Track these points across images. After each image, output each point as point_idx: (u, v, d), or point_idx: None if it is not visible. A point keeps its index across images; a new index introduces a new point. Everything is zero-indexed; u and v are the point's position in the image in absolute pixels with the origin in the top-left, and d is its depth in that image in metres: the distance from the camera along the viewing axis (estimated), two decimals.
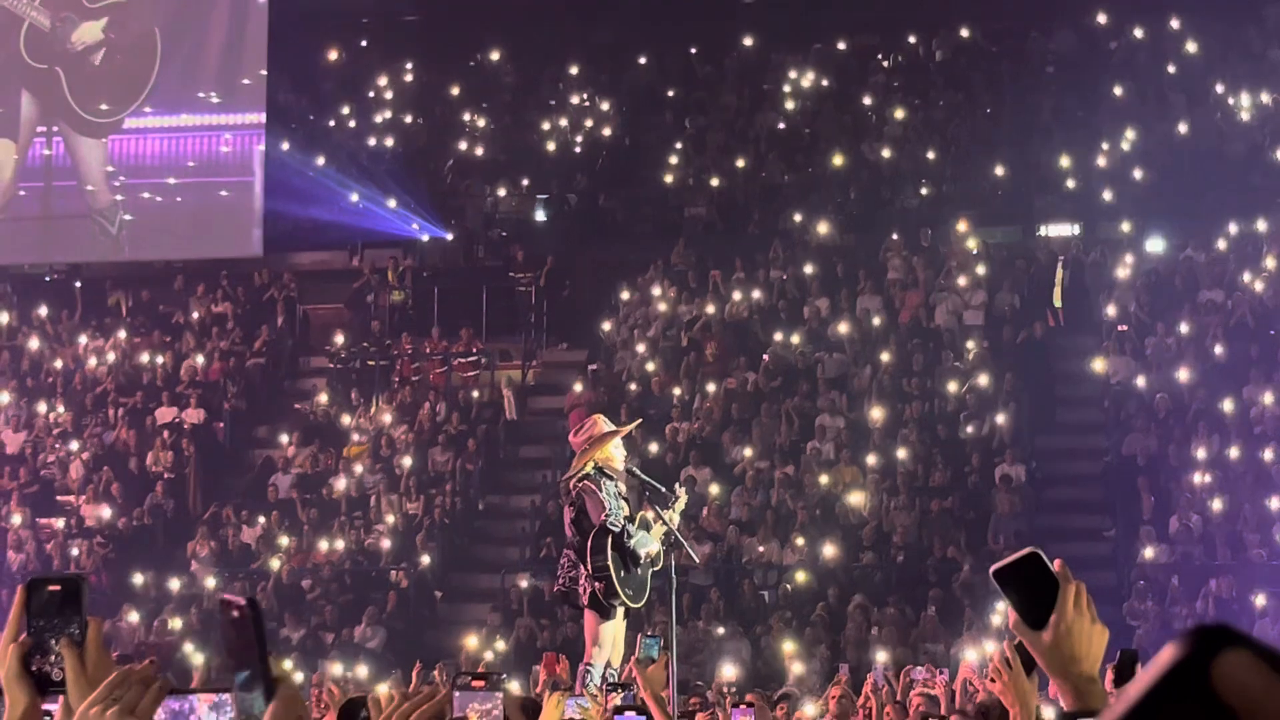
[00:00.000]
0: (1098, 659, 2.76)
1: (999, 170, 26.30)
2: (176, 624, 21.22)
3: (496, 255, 27.14)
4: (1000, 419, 22.60)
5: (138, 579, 22.21)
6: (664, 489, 12.23)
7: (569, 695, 8.26)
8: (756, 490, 22.22)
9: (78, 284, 27.64)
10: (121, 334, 26.57)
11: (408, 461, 23.67)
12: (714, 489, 22.16)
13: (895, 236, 25.70)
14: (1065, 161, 26.19)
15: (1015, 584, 3.45)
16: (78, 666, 2.68)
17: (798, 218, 26.32)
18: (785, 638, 19.37)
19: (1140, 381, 22.87)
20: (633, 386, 24.09)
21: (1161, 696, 0.88)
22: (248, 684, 2.18)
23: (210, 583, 22.04)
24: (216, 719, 3.28)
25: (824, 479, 22.00)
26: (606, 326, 25.43)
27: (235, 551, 22.90)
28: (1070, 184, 26.15)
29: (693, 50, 29.00)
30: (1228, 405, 21.97)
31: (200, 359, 26.09)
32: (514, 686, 16.14)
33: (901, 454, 22.20)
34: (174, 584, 22.11)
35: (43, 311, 27.29)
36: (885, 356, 23.78)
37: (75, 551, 22.76)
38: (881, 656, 17.36)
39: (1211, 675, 0.87)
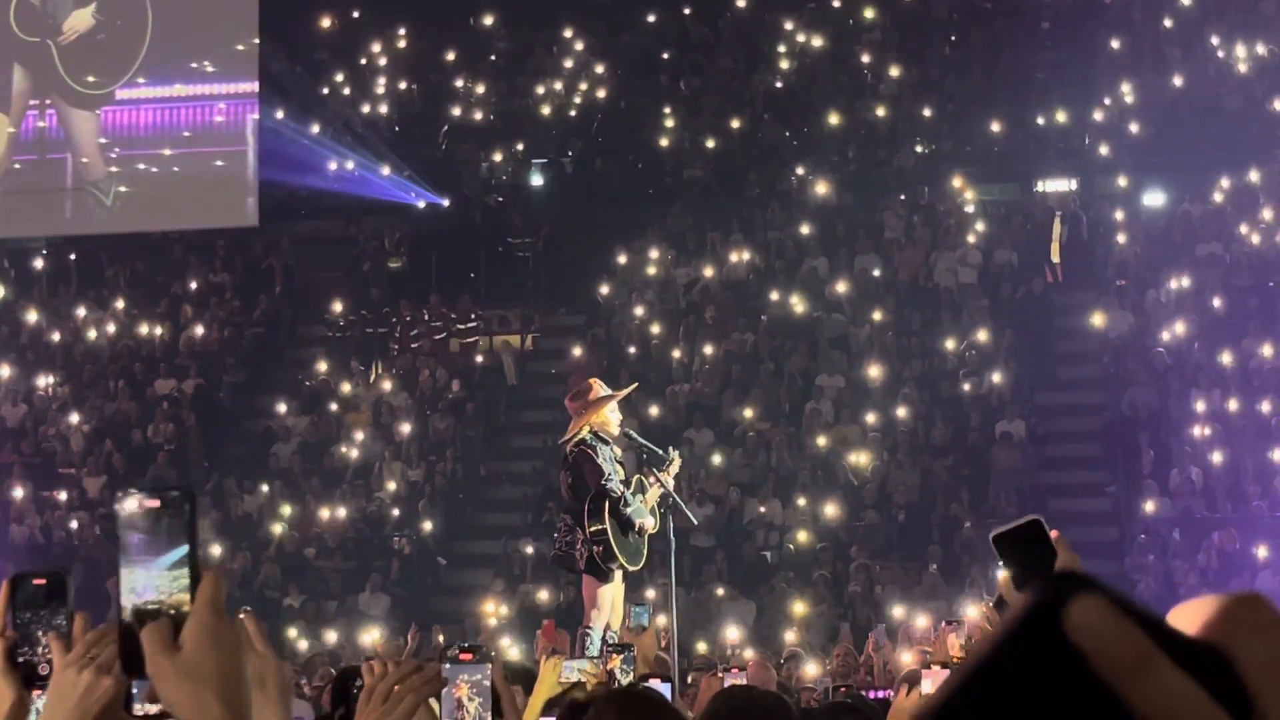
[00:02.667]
0: None
1: (996, 127, 26.23)
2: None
3: (493, 221, 27.09)
4: (999, 376, 22.60)
5: None
6: (660, 451, 12.23)
7: (566, 659, 8.27)
8: (757, 451, 22.23)
9: (72, 256, 27.60)
10: (120, 305, 26.56)
11: (408, 428, 23.69)
12: (714, 451, 22.17)
13: (895, 195, 25.66)
14: (1062, 117, 26.12)
15: (1014, 550, 3.46)
16: (64, 659, 2.68)
17: (795, 178, 26.27)
18: (788, 598, 19.41)
19: (1140, 336, 22.86)
20: (631, 350, 24.09)
21: (1014, 643, 0.88)
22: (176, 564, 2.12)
23: (213, 552, 22.08)
24: None
25: (824, 439, 22.01)
26: (605, 290, 25.40)
27: (238, 521, 22.94)
28: (1067, 139, 26.08)
29: (687, 11, 28.88)
30: (1227, 358, 21.95)
31: (199, 329, 26.08)
32: (514, 653, 16.18)
33: (901, 412, 22.21)
34: None
35: (40, 284, 27.28)
36: (884, 315, 23.76)
37: (74, 524, 22.77)
38: (897, 613, 17.40)
39: (1063, 620, 0.86)
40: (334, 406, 24.54)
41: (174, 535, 2.12)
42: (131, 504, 2.13)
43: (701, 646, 17.19)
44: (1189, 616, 0.90)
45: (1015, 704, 0.87)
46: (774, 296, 24.36)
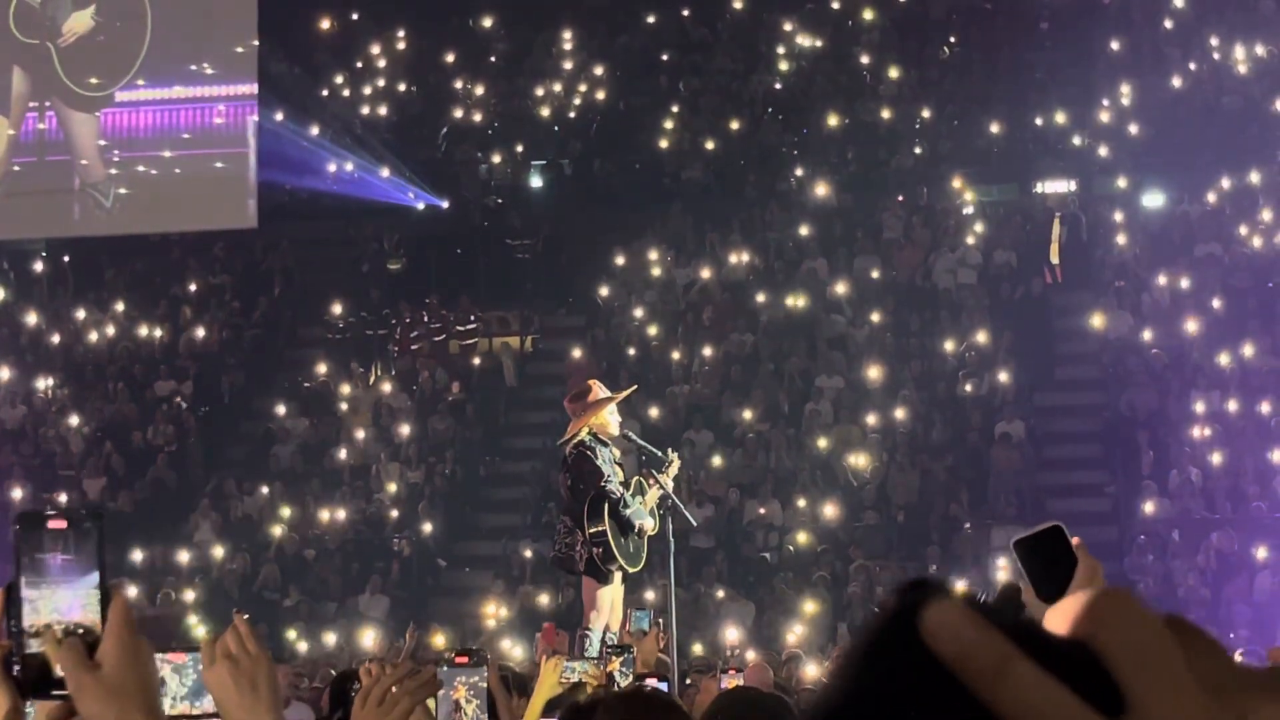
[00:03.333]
0: None
1: (995, 128, 26.24)
2: (187, 596, 21.27)
3: (492, 222, 27.10)
4: (999, 377, 22.61)
5: (140, 553, 22.25)
6: (659, 453, 12.24)
7: (566, 659, 8.29)
8: (757, 452, 22.24)
9: (65, 258, 27.60)
10: (119, 307, 26.57)
11: (408, 430, 23.70)
12: (714, 452, 22.18)
13: (893, 196, 25.67)
14: (1061, 118, 26.13)
15: (1034, 556, 3.45)
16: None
17: (794, 179, 26.28)
18: (788, 599, 19.42)
19: (1139, 337, 22.87)
20: (631, 351, 24.10)
21: (872, 652, 0.87)
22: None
23: (217, 553, 22.10)
24: (180, 680, 3.29)
25: (823, 440, 22.02)
26: (604, 291, 25.41)
27: (238, 523, 22.95)
28: (1066, 140, 26.09)
29: (686, 13, 28.89)
30: (1226, 359, 21.96)
31: (199, 331, 26.09)
32: (516, 652, 16.18)
33: (901, 413, 22.22)
34: (177, 557, 22.15)
35: (40, 286, 27.28)
36: (883, 316, 23.77)
37: None
38: None
39: (919, 626, 0.85)
40: (334, 408, 24.54)
41: (86, 556, 2.14)
42: (36, 524, 2.15)
43: (698, 649, 17.19)
44: (1061, 616, 0.89)
45: (882, 713, 0.86)
46: (773, 297, 24.37)
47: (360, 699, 3.58)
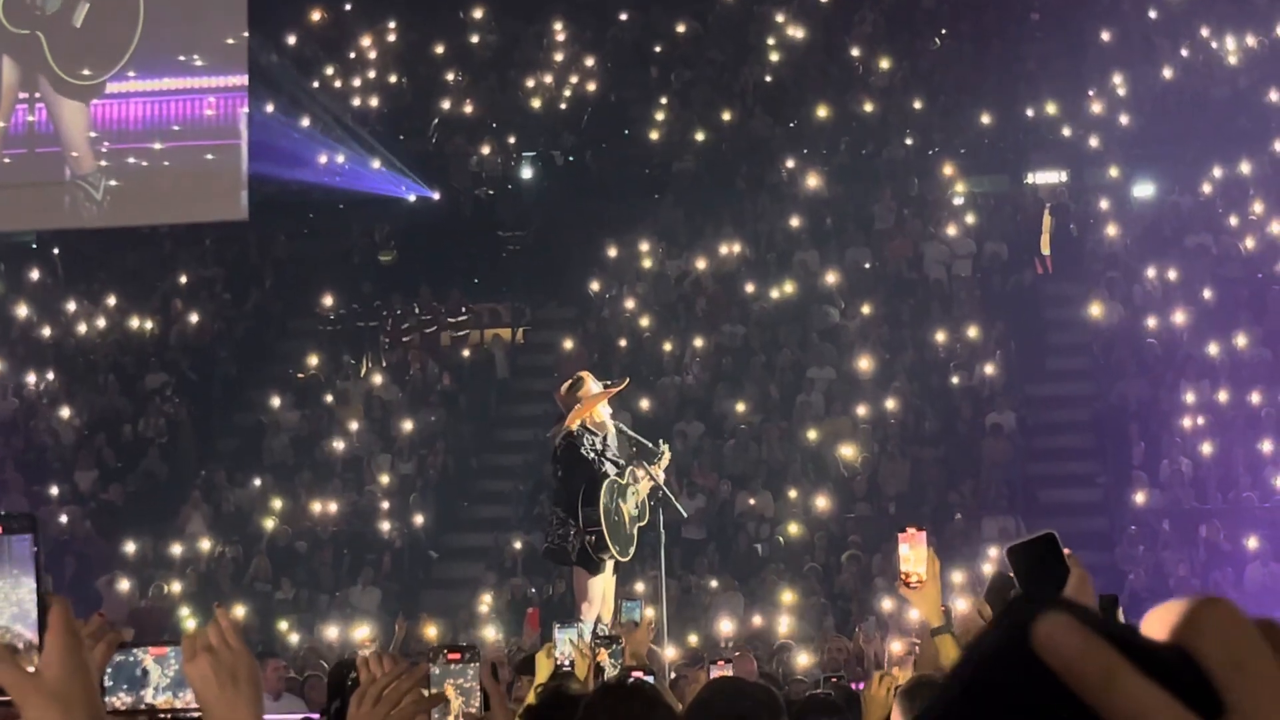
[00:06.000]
0: None
1: (986, 119, 26.26)
2: (177, 588, 21.27)
3: (483, 214, 27.09)
4: (990, 368, 22.64)
5: (131, 544, 22.24)
6: (650, 445, 12.26)
7: (562, 628, 8.41)
8: (748, 444, 22.26)
9: (55, 250, 27.57)
10: (110, 300, 26.54)
11: (400, 422, 23.70)
12: (705, 443, 22.20)
13: (884, 187, 25.69)
14: (1052, 109, 26.16)
15: (1027, 564, 3.47)
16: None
17: (785, 170, 26.28)
18: (779, 590, 19.44)
19: (1129, 327, 22.90)
20: (622, 343, 24.11)
21: (987, 666, 0.91)
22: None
23: (205, 546, 22.09)
24: (162, 672, 3.29)
25: (814, 431, 22.05)
26: (595, 284, 25.41)
27: (229, 515, 22.94)
28: (1057, 131, 26.12)
29: (676, 4, 28.88)
30: (1217, 349, 22.00)
31: (190, 323, 26.07)
32: (496, 637, 16.18)
33: (892, 404, 22.24)
34: (168, 549, 22.14)
35: (31, 278, 27.24)
36: (874, 307, 23.79)
37: (65, 519, 22.74)
38: (887, 605, 17.43)
39: (1032, 639, 0.90)
40: (325, 400, 24.54)
41: (20, 564, 2.13)
42: None
43: (693, 639, 17.21)
44: (1158, 622, 0.94)
45: None
46: (764, 289, 24.39)
47: (357, 699, 3.58)
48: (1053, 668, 0.89)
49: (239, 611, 19.23)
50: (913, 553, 5.66)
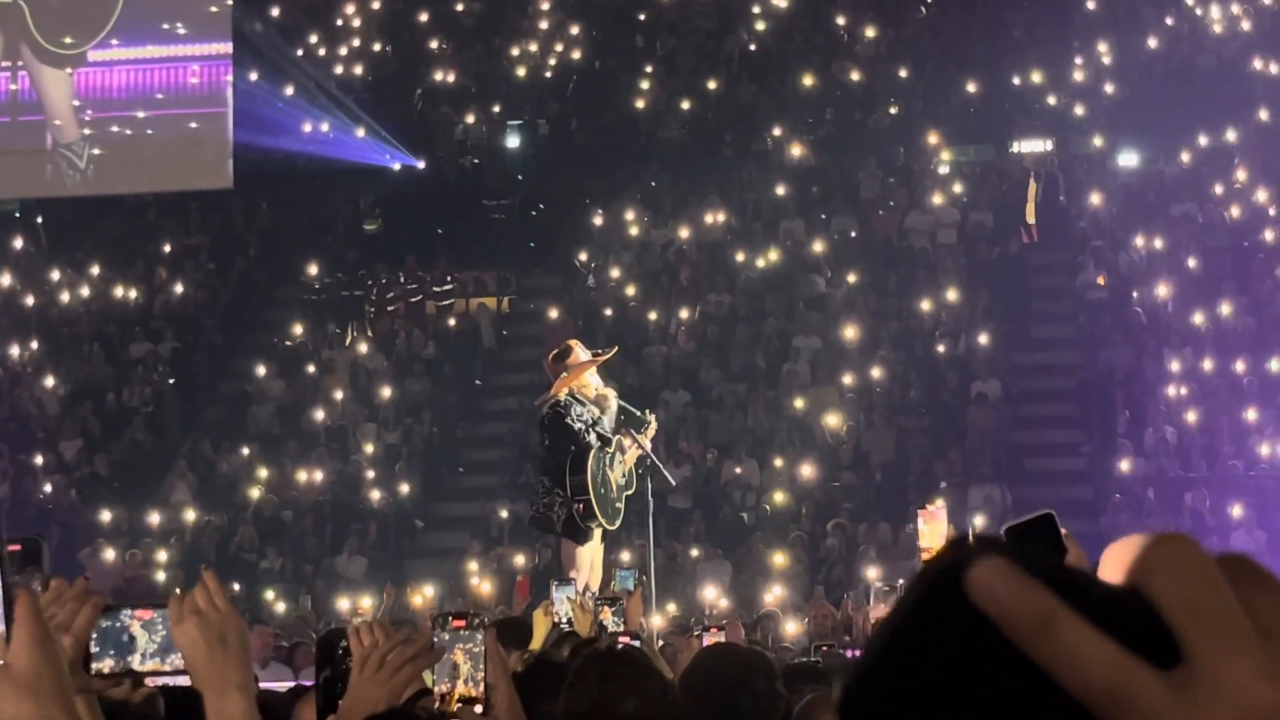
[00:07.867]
0: None
1: (971, 88, 26.24)
2: (162, 557, 21.25)
3: (469, 183, 27.03)
4: (975, 336, 22.66)
5: (116, 514, 22.21)
6: (638, 414, 12.26)
7: (559, 586, 8.43)
8: (734, 412, 22.27)
9: (39, 219, 27.47)
10: (94, 269, 26.46)
11: (385, 391, 23.67)
12: (691, 412, 22.21)
13: (870, 156, 25.67)
14: (1038, 77, 26.13)
15: (1024, 543, 3.46)
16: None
17: (770, 139, 26.25)
18: (765, 559, 19.48)
19: (1115, 296, 22.93)
20: (608, 312, 24.09)
21: (917, 613, 0.85)
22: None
23: (190, 515, 22.07)
24: (149, 637, 3.28)
25: (800, 400, 22.06)
26: (582, 253, 25.38)
27: (215, 484, 22.92)
28: (1043, 100, 26.10)
29: None
30: (1201, 318, 22.04)
31: (175, 291, 26.00)
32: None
33: (877, 373, 22.26)
34: (153, 518, 22.11)
35: (14, 247, 27.14)
36: (860, 276, 23.79)
37: (49, 488, 22.71)
38: (872, 573, 17.46)
39: (965, 584, 0.83)
40: (310, 369, 24.50)
41: None
42: None
43: (671, 608, 17.23)
44: (1114, 562, 0.87)
45: (931, 673, 0.84)
46: (750, 258, 24.37)
47: (358, 664, 3.58)
48: (988, 614, 0.83)
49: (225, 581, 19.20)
50: (929, 528, 5.66)
